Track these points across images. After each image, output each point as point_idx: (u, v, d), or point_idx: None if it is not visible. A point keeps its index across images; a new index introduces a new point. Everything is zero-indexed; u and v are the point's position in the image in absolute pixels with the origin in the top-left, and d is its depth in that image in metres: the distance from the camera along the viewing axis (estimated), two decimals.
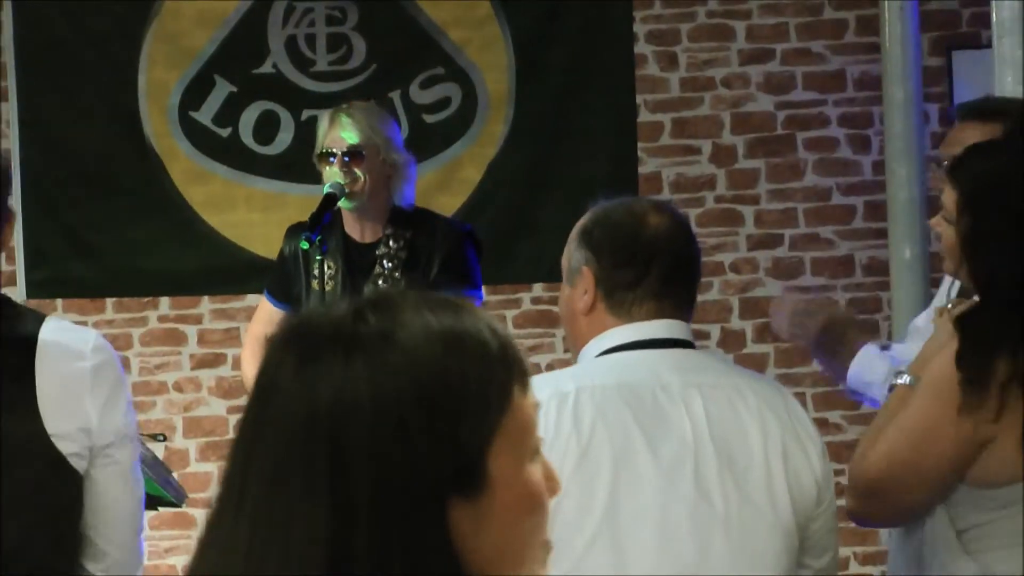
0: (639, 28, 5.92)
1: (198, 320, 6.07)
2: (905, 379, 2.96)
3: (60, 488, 2.51)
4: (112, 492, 2.51)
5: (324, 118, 4.58)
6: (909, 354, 3.41)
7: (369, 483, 1.25)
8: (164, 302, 6.02)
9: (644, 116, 5.95)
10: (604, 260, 2.68)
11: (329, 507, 1.25)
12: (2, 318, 2.70)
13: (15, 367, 2.64)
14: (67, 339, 2.72)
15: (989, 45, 4.72)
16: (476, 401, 1.27)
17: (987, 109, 3.66)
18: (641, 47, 5.93)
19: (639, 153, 5.94)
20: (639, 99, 5.93)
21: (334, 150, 4.37)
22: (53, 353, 2.66)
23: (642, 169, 5.94)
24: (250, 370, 4.54)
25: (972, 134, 3.45)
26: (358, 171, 4.37)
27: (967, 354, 2.84)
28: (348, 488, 1.24)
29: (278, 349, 1.30)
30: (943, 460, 2.88)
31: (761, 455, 2.71)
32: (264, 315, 4.62)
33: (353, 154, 4.35)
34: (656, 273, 2.67)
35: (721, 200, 6.01)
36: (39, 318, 2.74)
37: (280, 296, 4.56)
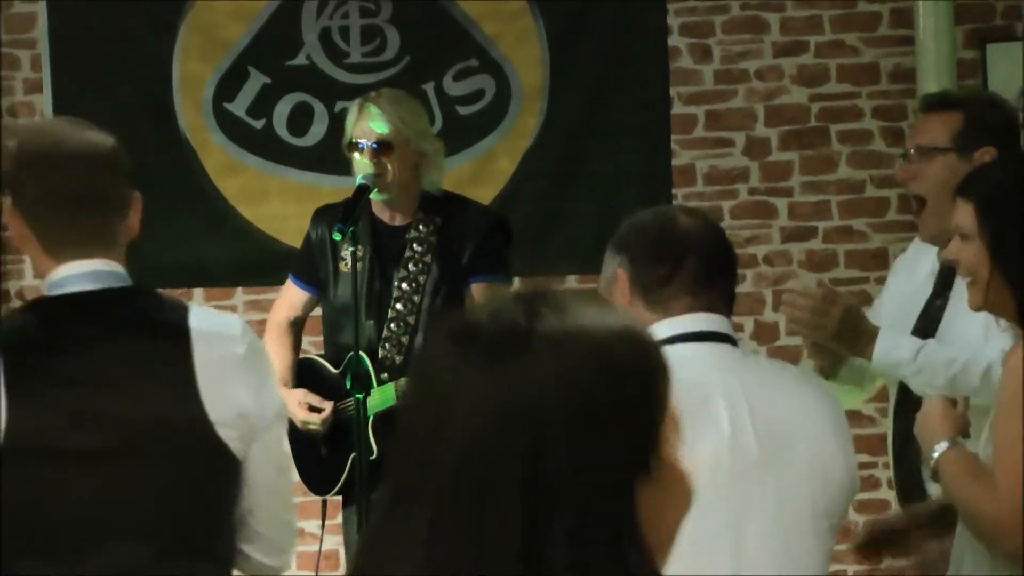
0: (672, 20, 5.91)
1: (232, 312, 5.90)
2: (943, 445, 2.96)
3: (223, 475, 2.52)
4: (268, 474, 2.52)
5: (353, 107, 4.55)
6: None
7: (566, 473, 1.27)
8: (198, 294, 5.98)
9: (677, 108, 5.94)
10: (637, 259, 2.72)
11: (525, 500, 1.27)
12: (148, 308, 2.71)
13: (172, 356, 2.63)
14: (216, 326, 2.71)
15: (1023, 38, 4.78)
16: (654, 385, 1.31)
17: (947, 100, 3.82)
18: (675, 39, 5.92)
19: (672, 145, 5.93)
20: (673, 91, 5.93)
21: (363, 141, 4.36)
22: (207, 340, 2.65)
23: (676, 161, 5.93)
24: (274, 357, 4.54)
25: (937, 122, 3.68)
26: (387, 162, 4.35)
27: None
28: (544, 480, 1.27)
29: (447, 349, 1.32)
30: None
31: (805, 450, 2.72)
32: (288, 299, 4.60)
33: (382, 144, 4.35)
34: (689, 267, 2.68)
35: (755, 192, 5.98)
36: (184, 306, 2.74)
37: (305, 278, 4.55)
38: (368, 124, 4.41)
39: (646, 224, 2.83)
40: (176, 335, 2.64)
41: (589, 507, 1.28)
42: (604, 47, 5.91)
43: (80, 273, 2.67)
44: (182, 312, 2.69)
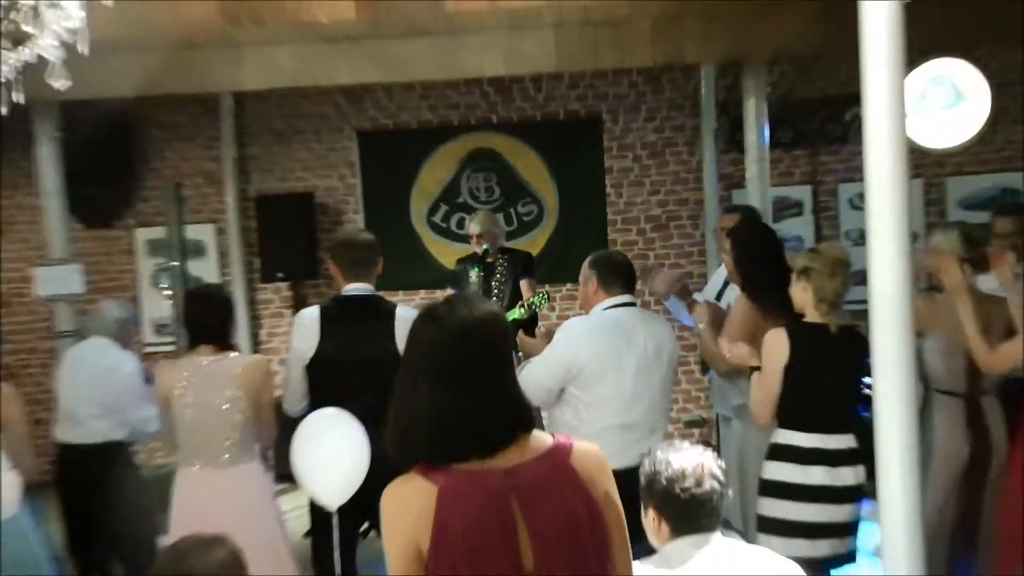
0: (608, 182, 9.10)
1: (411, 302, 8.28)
2: (701, 326, 4.41)
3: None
4: None
5: (468, 218, 7.02)
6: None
7: (499, 360, 2.01)
8: (419, 293, 9.10)
9: (610, 218, 9.05)
10: (601, 273, 4.07)
11: (493, 370, 1.97)
12: (381, 304, 4.04)
13: (388, 326, 3.91)
14: (406, 312, 3.98)
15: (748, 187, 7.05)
16: (506, 329, 2.00)
17: (732, 208, 5.76)
18: (608, 189, 9.17)
19: (607, 230, 8.95)
20: (608, 211, 9.04)
21: (472, 234, 6.71)
22: (401, 319, 3.99)
23: (610, 237, 9.02)
24: None
25: (728, 218, 5.47)
26: (483, 240, 6.72)
27: (758, 296, 4.17)
28: (501, 362, 2.01)
29: (422, 319, 2.09)
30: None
31: (669, 349, 4.10)
32: None
33: (479, 236, 6.72)
34: (622, 277, 4.10)
35: (640, 252, 9.00)
36: (394, 304, 4.00)
37: (456, 289, 6.61)
38: (473, 227, 6.67)
39: (605, 257, 4.12)
40: (390, 317, 3.96)
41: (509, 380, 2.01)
42: (580, 192, 9.01)
43: (356, 287, 3.96)
44: (392, 307, 4.00)
